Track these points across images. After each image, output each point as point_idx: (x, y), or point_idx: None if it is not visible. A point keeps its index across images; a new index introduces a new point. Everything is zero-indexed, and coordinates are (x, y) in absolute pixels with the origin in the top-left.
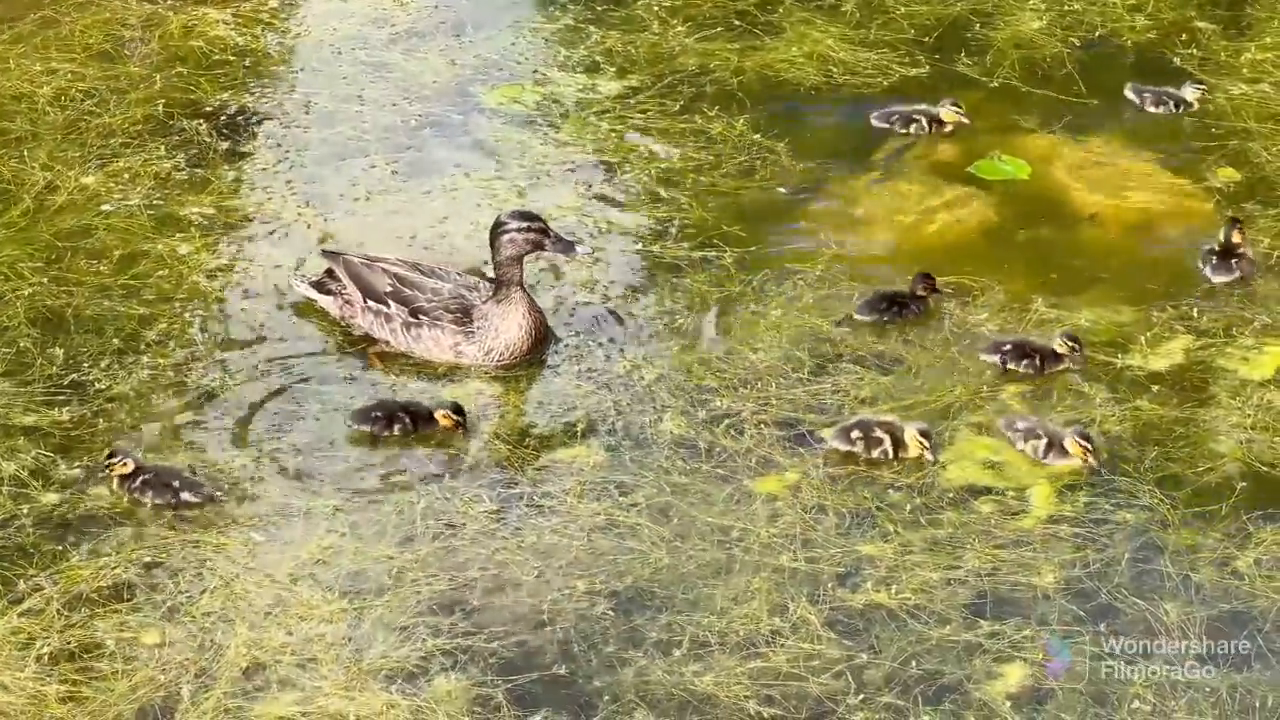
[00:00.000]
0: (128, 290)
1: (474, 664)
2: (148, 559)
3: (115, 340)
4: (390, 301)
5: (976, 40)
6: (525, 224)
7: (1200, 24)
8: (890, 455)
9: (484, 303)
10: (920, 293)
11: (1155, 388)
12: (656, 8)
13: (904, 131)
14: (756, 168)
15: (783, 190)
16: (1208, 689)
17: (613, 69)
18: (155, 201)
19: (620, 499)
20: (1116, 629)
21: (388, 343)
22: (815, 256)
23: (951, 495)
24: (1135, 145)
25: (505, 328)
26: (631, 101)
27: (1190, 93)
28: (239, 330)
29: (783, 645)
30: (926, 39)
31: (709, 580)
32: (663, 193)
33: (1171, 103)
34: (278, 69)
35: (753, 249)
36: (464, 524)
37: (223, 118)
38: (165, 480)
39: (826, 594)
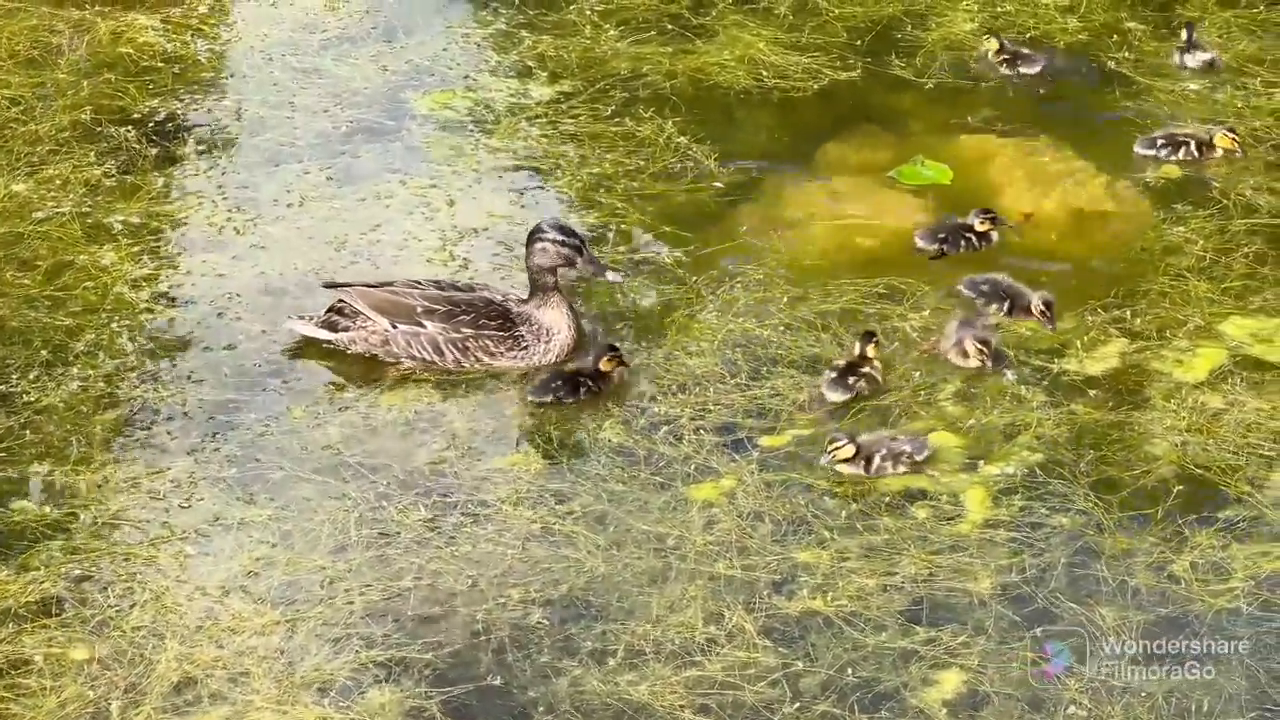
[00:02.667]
0: (54, 301)
1: (408, 675)
2: (77, 572)
3: (43, 352)
4: (426, 321)
5: (908, 42)
6: (561, 237)
7: (1131, 25)
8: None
9: (522, 306)
10: (979, 226)
11: (1093, 392)
12: (589, 12)
13: (1171, 159)
14: (688, 171)
15: (718, 185)
16: (1144, 693)
17: (545, 74)
18: (84, 209)
19: (556, 507)
20: (1053, 634)
21: (431, 362)
22: (753, 260)
23: (887, 501)
24: (1070, 145)
25: (554, 325)
26: (564, 106)
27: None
28: (170, 340)
29: (718, 654)
30: (859, 41)
31: (644, 588)
32: (596, 198)
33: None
34: (208, 75)
35: (690, 249)
36: (398, 533)
37: (151, 124)
38: None
39: (762, 602)
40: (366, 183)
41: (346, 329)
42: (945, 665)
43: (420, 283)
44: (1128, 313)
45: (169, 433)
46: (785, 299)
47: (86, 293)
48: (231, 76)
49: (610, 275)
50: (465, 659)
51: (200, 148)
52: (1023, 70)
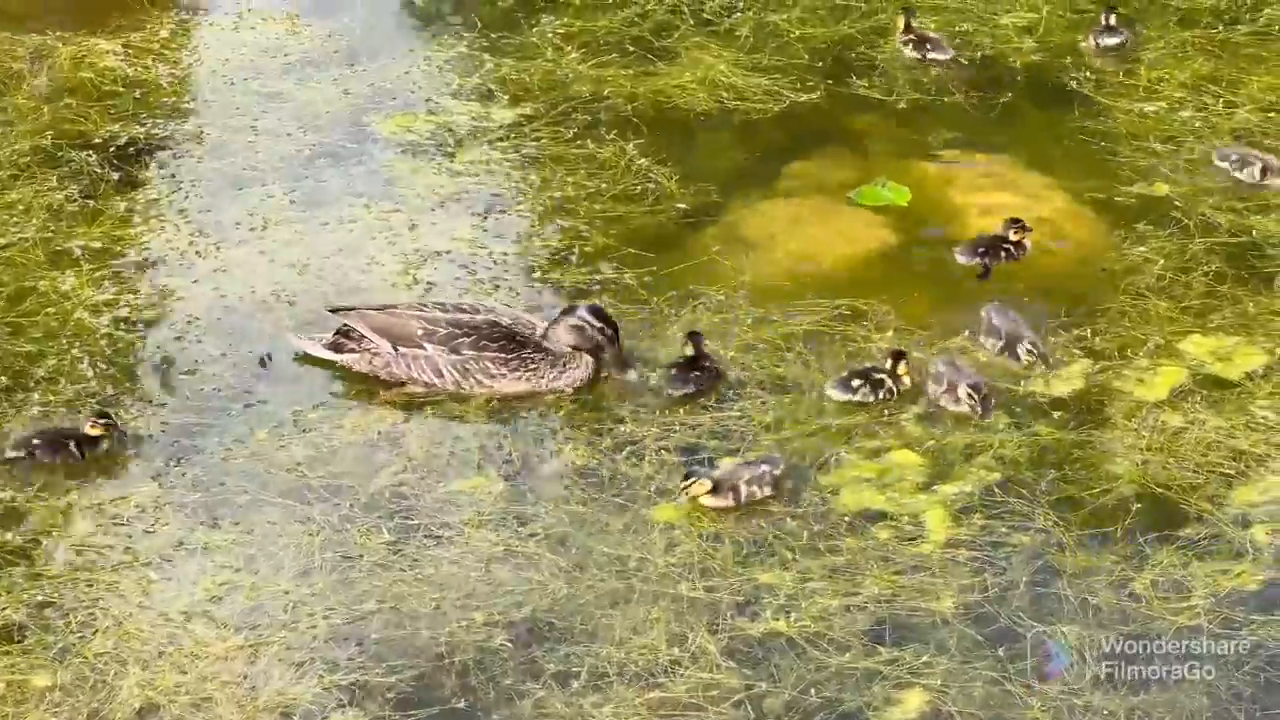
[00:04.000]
0: (15, 327)
1: (371, 699)
2: (40, 598)
3: (3, 378)
4: (426, 344)
5: (866, 62)
6: (599, 324)
7: (1087, 45)
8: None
9: (541, 336)
10: (1014, 236)
11: (1057, 414)
12: (551, 35)
13: (1239, 176)
14: (649, 193)
15: (681, 206)
16: (1106, 712)
17: (506, 97)
18: (47, 234)
19: (519, 529)
20: (1015, 653)
21: (432, 384)
22: (715, 281)
23: (849, 521)
24: (1031, 164)
25: (575, 362)
26: (526, 129)
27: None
28: (131, 365)
29: (682, 675)
30: (820, 63)
31: (607, 610)
32: (559, 220)
33: (1258, 167)
34: (169, 100)
35: (653, 270)
36: (361, 556)
37: (113, 149)
38: None
39: (725, 623)
40: (329, 206)
41: (352, 351)
42: (908, 685)
43: (425, 306)
44: (1089, 332)
45: (132, 458)
46: (749, 320)
47: (48, 318)
48: (193, 100)
49: (630, 374)
50: (429, 682)
51: (162, 172)
52: (931, 55)
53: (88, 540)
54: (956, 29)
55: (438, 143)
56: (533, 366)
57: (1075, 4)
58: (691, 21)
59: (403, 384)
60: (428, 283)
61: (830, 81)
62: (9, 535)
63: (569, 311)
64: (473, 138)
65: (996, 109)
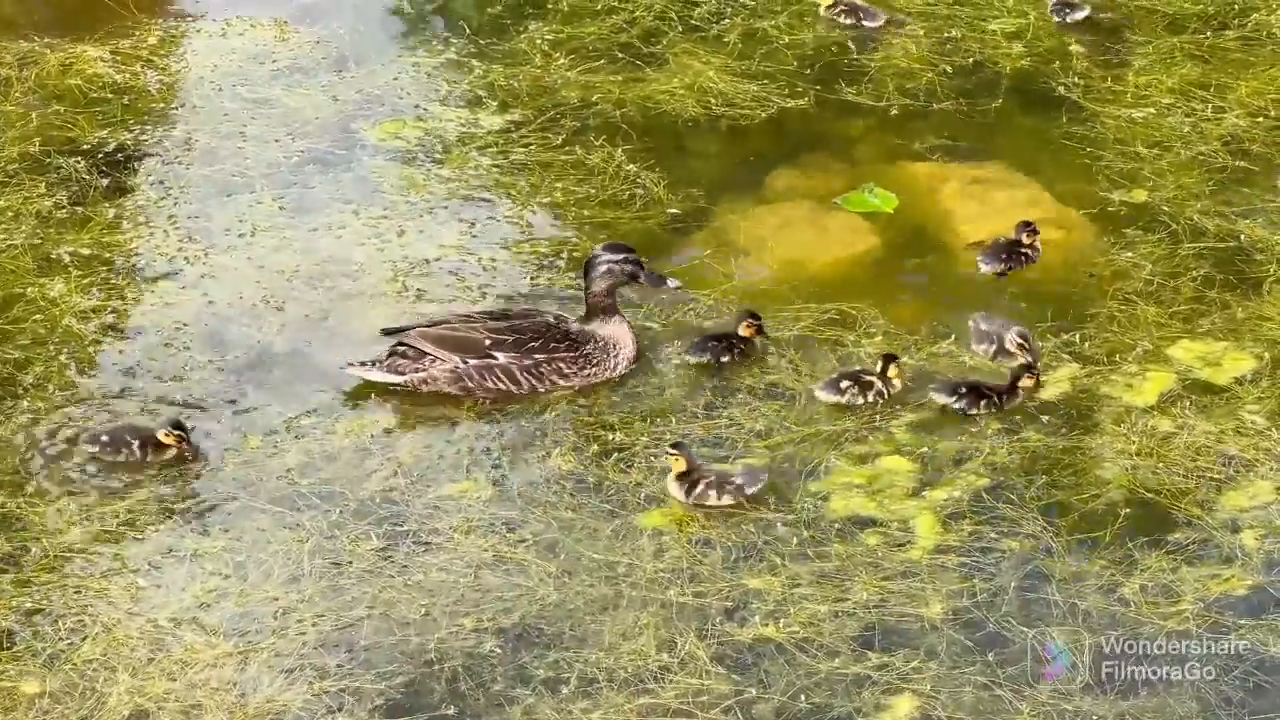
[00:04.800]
0: (3, 334)
1: (361, 705)
2: (29, 605)
3: None
4: (497, 352)
5: (855, 69)
6: (621, 256)
7: (1077, 49)
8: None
9: (581, 330)
10: (1026, 240)
11: (1045, 418)
12: (539, 41)
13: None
14: (637, 199)
15: (673, 211)
16: (1095, 716)
17: (495, 103)
18: (35, 241)
19: (507, 534)
20: (1005, 658)
21: (508, 391)
22: (704, 285)
23: (838, 527)
24: (1018, 171)
25: (618, 339)
26: (514, 135)
27: None
28: (119, 371)
29: (671, 681)
30: (809, 69)
31: (597, 616)
32: (547, 225)
33: None
34: (158, 106)
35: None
36: (351, 562)
37: (102, 155)
38: None
39: (714, 628)
40: (318, 213)
41: (418, 370)
42: (898, 690)
43: (471, 316)
44: (1077, 337)
45: (121, 464)
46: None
47: (35, 325)
48: (182, 107)
49: (670, 283)
50: (419, 688)
51: (151, 178)
52: (865, 23)
53: (76, 547)
54: (945, 35)
55: (426, 149)
56: (596, 360)
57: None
58: (680, 28)
59: (470, 396)
60: (418, 290)
61: (819, 88)
62: None
63: (589, 266)
64: (461, 144)
65: (990, 114)
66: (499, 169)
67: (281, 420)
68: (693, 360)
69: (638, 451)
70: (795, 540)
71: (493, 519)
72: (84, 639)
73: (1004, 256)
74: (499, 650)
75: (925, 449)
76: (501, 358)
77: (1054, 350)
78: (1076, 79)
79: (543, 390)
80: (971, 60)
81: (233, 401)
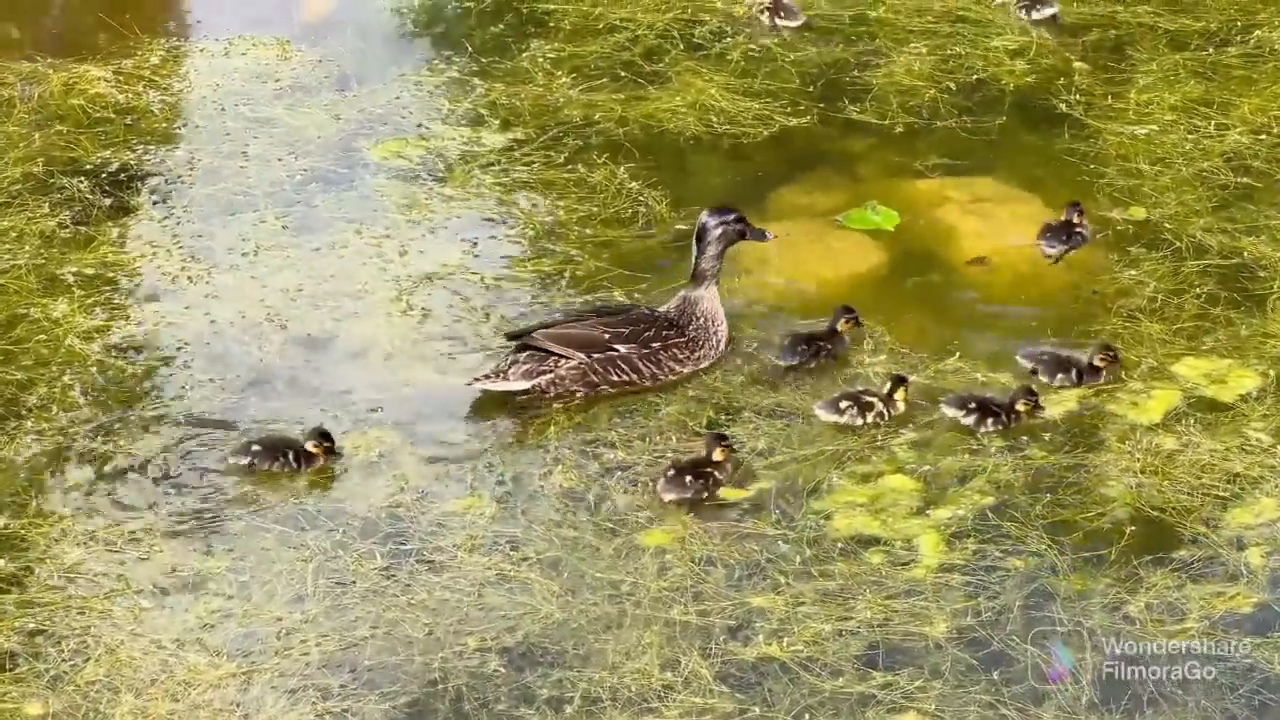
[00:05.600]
0: (6, 355)
1: None
2: (31, 626)
3: None
4: (618, 345)
5: (857, 86)
6: (730, 216)
7: (1080, 65)
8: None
9: (681, 305)
10: (1076, 220)
11: (1051, 437)
12: (541, 59)
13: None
14: (640, 216)
15: (679, 228)
16: None
17: (497, 122)
18: (39, 261)
19: (511, 553)
20: (1010, 677)
21: (629, 382)
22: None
23: (841, 546)
24: (1021, 188)
25: (715, 314)
26: (516, 154)
27: None
28: (122, 391)
29: (675, 700)
30: (811, 87)
31: (600, 635)
32: (550, 245)
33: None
34: (161, 126)
35: (642, 292)
36: (354, 582)
37: (105, 175)
38: None
39: (718, 647)
40: (321, 232)
41: (544, 373)
42: (902, 709)
43: (583, 314)
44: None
45: (124, 484)
46: (742, 343)
47: (39, 345)
48: (184, 127)
49: (769, 236)
50: (422, 708)
51: (154, 198)
52: (783, 23)
53: (79, 568)
54: (948, 52)
55: (428, 168)
56: (701, 343)
57: (1066, 27)
58: (682, 46)
59: (594, 390)
60: (422, 309)
61: (822, 105)
62: (1, 562)
63: (702, 232)
64: (463, 163)
65: (992, 131)
66: (501, 187)
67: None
68: (783, 364)
69: (640, 470)
70: (799, 559)
71: (496, 537)
72: (87, 660)
73: (1064, 238)
74: (503, 669)
75: (928, 467)
76: (623, 349)
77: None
78: (1079, 96)
79: (662, 377)
80: (974, 77)
81: (235, 420)
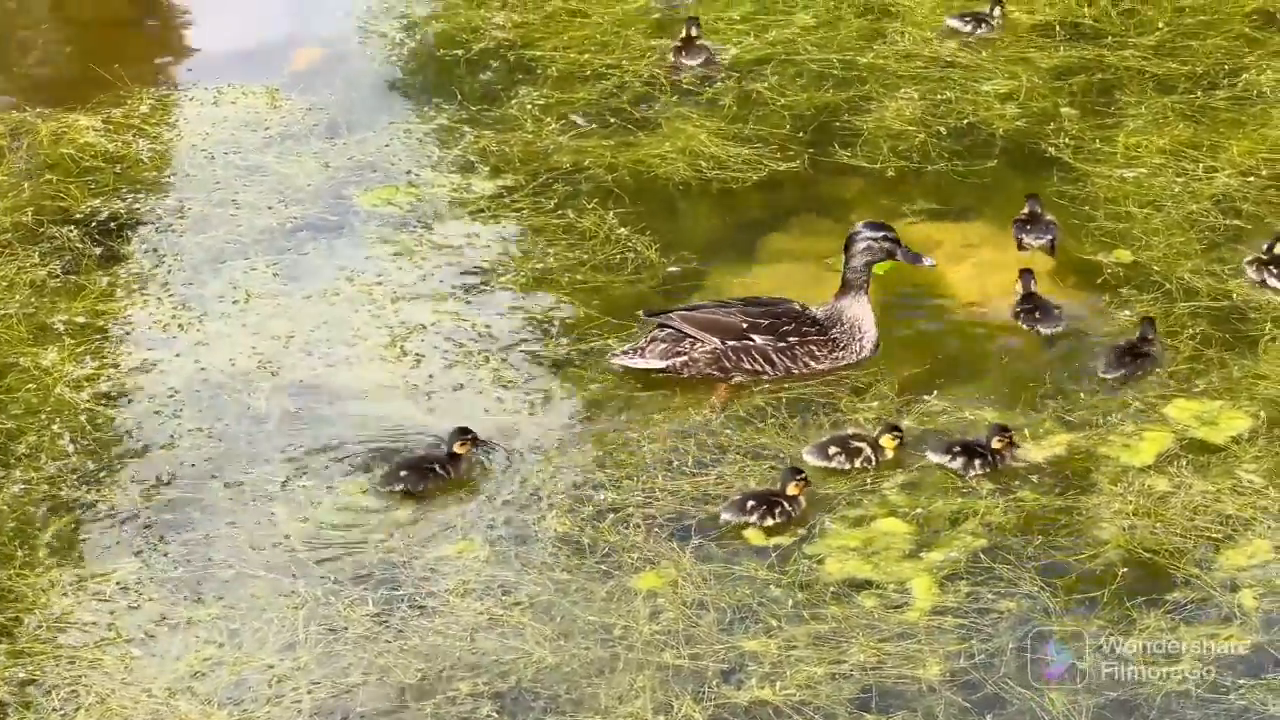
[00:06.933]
0: None
1: None
2: (22, 675)
3: None
4: (754, 335)
5: (848, 131)
6: (880, 233)
7: (1069, 110)
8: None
9: (830, 310)
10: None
11: (1043, 479)
12: (530, 106)
13: None
14: (630, 262)
15: (673, 270)
16: None
17: (487, 168)
18: (29, 310)
19: (503, 597)
20: (1003, 719)
21: (761, 372)
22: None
23: (833, 589)
24: (1009, 231)
25: (865, 324)
26: (506, 200)
27: None
28: (111, 440)
29: None
30: (802, 132)
31: (593, 679)
32: (540, 290)
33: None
34: (150, 174)
35: (630, 337)
36: (346, 628)
37: (95, 224)
38: None
39: (711, 691)
40: (312, 279)
41: (679, 354)
42: None
43: (729, 302)
44: (1076, 398)
45: (113, 532)
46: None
47: (29, 394)
48: (174, 175)
49: (926, 261)
50: None
51: (144, 246)
52: (684, 60)
53: (69, 617)
54: (939, 96)
55: (419, 215)
56: (843, 344)
57: (1055, 70)
58: (671, 92)
59: (727, 378)
60: (416, 354)
61: (812, 150)
62: None
63: (850, 242)
64: (454, 209)
65: (983, 174)
66: (492, 234)
67: (275, 486)
68: (1109, 377)
69: (631, 512)
70: (791, 602)
71: (489, 581)
72: (78, 709)
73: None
74: (495, 715)
75: (920, 509)
76: (758, 339)
77: (1052, 411)
78: (1068, 140)
79: (795, 371)
80: (965, 121)
81: (227, 467)
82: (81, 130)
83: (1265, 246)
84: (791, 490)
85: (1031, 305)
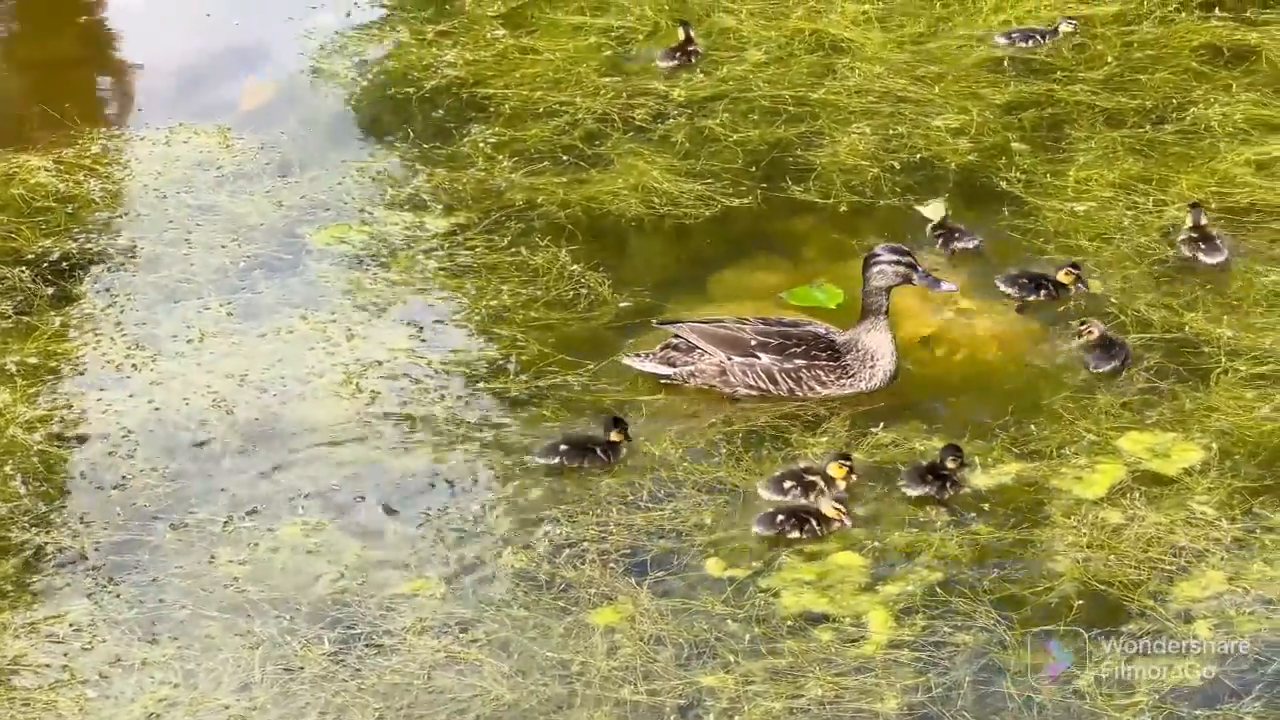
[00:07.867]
0: None
1: None
2: None
3: None
4: (761, 353)
5: (801, 166)
6: (896, 258)
7: (1019, 146)
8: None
9: (849, 334)
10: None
11: (996, 511)
12: (482, 144)
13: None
14: (582, 299)
15: (625, 305)
16: None
17: (440, 206)
18: None
19: (460, 635)
20: None
21: (765, 391)
22: (650, 385)
23: (790, 624)
24: (962, 266)
25: (879, 350)
26: (459, 238)
27: None
28: (62, 480)
29: None
30: (754, 167)
31: (551, 716)
32: (495, 328)
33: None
34: (102, 214)
35: (588, 372)
36: (302, 668)
37: (46, 264)
38: None
39: None
40: (266, 318)
41: (687, 364)
42: None
43: (747, 319)
44: (1027, 430)
45: (66, 574)
46: (687, 421)
47: None
48: (126, 215)
49: (945, 286)
50: None
51: (97, 286)
52: (661, 64)
53: (22, 660)
54: (891, 132)
55: (372, 253)
56: (853, 372)
57: (1006, 105)
58: (623, 129)
59: (731, 394)
60: (372, 391)
61: (765, 185)
62: None
63: (867, 264)
64: (407, 247)
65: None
66: (445, 272)
67: (229, 525)
68: (1102, 370)
69: (587, 547)
70: (748, 637)
71: (446, 618)
72: None
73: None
74: None
75: (875, 543)
76: (764, 358)
77: (1002, 444)
78: (1019, 174)
79: (800, 395)
80: (918, 156)
81: (177, 507)
82: (33, 170)
83: (1189, 223)
84: (827, 512)
85: (1199, 236)
